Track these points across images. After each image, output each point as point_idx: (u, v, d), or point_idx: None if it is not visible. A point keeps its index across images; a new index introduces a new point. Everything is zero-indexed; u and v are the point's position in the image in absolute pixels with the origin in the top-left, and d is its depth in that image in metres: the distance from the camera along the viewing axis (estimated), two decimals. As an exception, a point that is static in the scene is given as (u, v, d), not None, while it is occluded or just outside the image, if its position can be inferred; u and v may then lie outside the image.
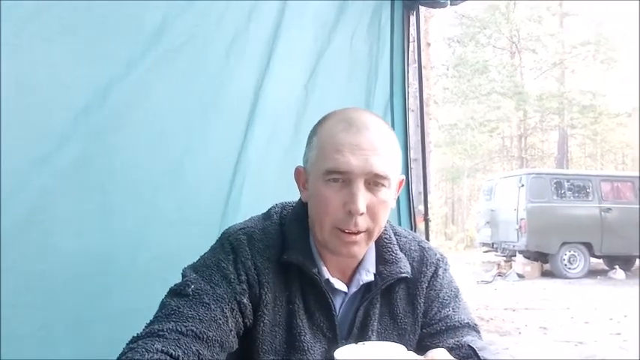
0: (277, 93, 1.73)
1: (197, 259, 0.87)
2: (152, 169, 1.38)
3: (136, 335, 0.75)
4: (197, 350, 0.73)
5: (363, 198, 0.79)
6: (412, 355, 0.71)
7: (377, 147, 0.80)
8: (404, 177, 0.91)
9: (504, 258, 9.63)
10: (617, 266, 8.74)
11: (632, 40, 18.06)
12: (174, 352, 0.70)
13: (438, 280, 0.93)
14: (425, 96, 2.69)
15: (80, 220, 1.21)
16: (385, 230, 0.91)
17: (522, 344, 4.52)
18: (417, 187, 2.70)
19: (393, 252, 0.91)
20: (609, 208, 8.80)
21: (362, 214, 0.79)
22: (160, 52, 1.36)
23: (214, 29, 1.53)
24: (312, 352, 0.85)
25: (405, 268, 0.90)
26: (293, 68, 1.82)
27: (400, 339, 0.89)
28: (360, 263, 0.89)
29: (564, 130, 19.22)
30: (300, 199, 0.92)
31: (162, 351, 0.70)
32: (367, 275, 0.89)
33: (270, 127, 1.71)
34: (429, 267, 0.93)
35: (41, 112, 1.15)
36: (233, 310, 0.80)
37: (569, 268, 8.66)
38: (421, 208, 2.98)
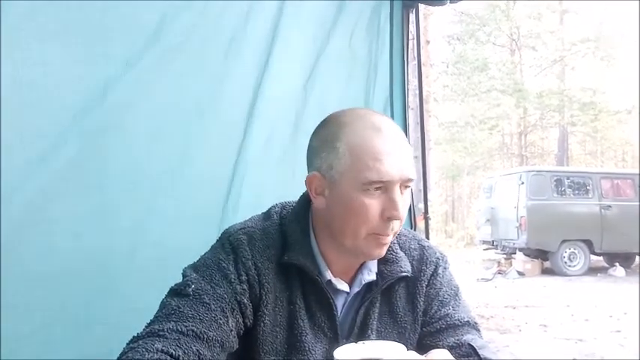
0: (276, 92, 1.72)
1: (197, 258, 0.87)
2: (151, 168, 1.38)
3: (136, 335, 0.75)
4: (197, 350, 0.73)
5: (402, 203, 0.80)
6: (412, 354, 0.71)
7: (405, 151, 0.81)
8: None
9: (504, 256, 9.63)
10: (617, 264, 8.74)
11: (632, 37, 18.05)
12: (174, 352, 0.70)
13: (438, 278, 0.93)
14: (424, 93, 2.69)
15: (79, 220, 1.21)
16: None
17: (522, 342, 4.52)
18: (417, 185, 2.70)
19: (393, 251, 0.91)
20: (609, 206, 8.81)
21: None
22: (158, 51, 1.36)
23: (213, 29, 1.52)
24: (313, 352, 0.85)
25: (406, 267, 0.90)
26: (292, 68, 1.81)
27: (400, 337, 0.89)
28: (363, 263, 0.89)
29: (564, 127, 19.20)
30: (300, 199, 0.92)
31: (162, 351, 0.70)
32: (369, 275, 0.89)
33: (269, 127, 1.71)
34: (428, 266, 0.93)
35: (39, 112, 1.15)
36: (233, 310, 0.80)
37: (570, 266, 8.66)
38: (421, 206, 2.98)
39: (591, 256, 8.86)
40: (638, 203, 8.70)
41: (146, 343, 0.71)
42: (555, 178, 8.98)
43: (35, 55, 1.13)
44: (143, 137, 1.36)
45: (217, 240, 0.89)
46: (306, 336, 0.85)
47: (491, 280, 8.48)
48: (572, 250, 8.71)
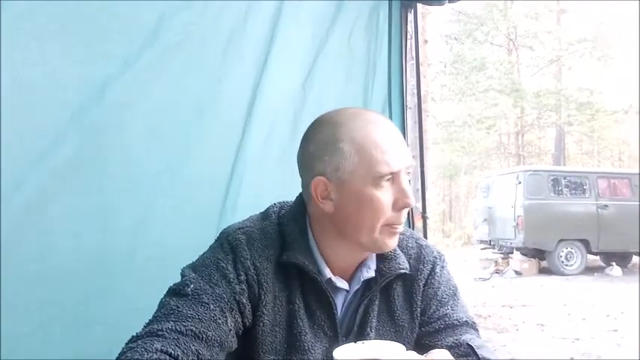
0: (275, 91, 1.72)
1: (195, 258, 0.87)
2: (149, 168, 1.38)
3: (135, 335, 0.75)
4: (196, 350, 0.73)
5: (410, 190, 0.83)
6: (412, 354, 0.71)
7: (402, 139, 0.85)
8: None
9: (502, 255, 9.66)
10: (613, 263, 8.78)
11: (629, 37, 18.10)
12: (173, 352, 0.70)
13: (436, 277, 0.94)
14: (422, 93, 2.69)
15: (77, 220, 1.21)
16: None
17: (520, 341, 4.54)
18: (414, 185, 2.71)
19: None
20: (606, 205, 8.84)
21: None
22: (156, 50, 1.36)
23: (211, 27, 1.52)
24: (312, 351, 0.86)
25: (404, 264, 0.91)
26: (291, 67, 1.81)
27: (397, 336, 0.90)
28: (362, 260, 0.90)
29: (561, 127, 19.25)
30: (296, 200, 0.92)
31: (161, 350, 0.70)
32: (368, 272, 0.89)
33: (267, 126, 1.71)
34: (426, 265, 0.94)
35: (37, 111, 1.14)
36: (232, 309, 0.80)
37: (566, 265, 8.69)
38: (419, 205, 2.98)
39: (588, 255, 8.90)
40: (634, 203, 8.73)
41: (145, 343, 0.71)
42: (552, 177, 9.01)
43: (34, 54, 1.13)
44: (142, 136, 1.35)
45: (216, 240, 0.89)
46: (305, 335, 0.85)
47: (488, 279, 8.50)
48: (569, 249, 8.74)
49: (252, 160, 1.64)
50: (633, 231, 8.35)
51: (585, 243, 8.73)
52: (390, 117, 2.30)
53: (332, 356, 0.72)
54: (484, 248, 10.49)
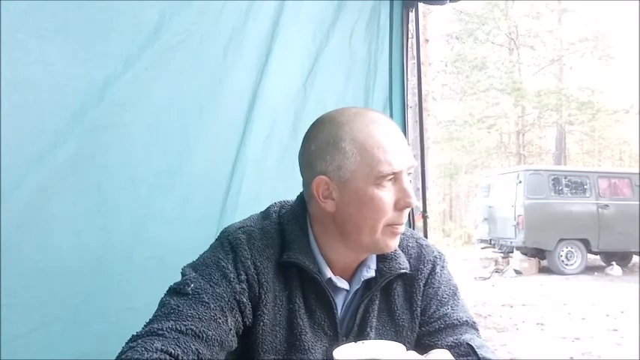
0: (275, 91, 1.72)
1: (196, 257, 0.87)
2: (149, 167, 1.38)
3: (135, 334, 0.75)
4: (196, 349, 0.73)
5: (412, 190, 0.83)
6: (412, 354, 0.71)
7: (403, 138, 0.85)
8: None
9: (502, 254, 9.65)
10: (614, 262, 8.78)
11: (630, 36, 18.07)
12: (173, 351, 0.71)
13: (436, 277, 0.94)
14: (423, 92, 2.69)
15: (77, 219, 1.21)
16: None
17: (520, 340, 4.54)
18: (414, 184, 2.70)
19: None
20: (606, 205, 8.83)
21: None
22: (157, 50, 1.35)
23: (212, 27, 1.52)
24: (313, 351, 0.86)
25: (404, 264, 0.91)
26: (291, 66, 1.81)
27: (397, 335, 0.90)
28: (363, 260, 0.90)
29: (562, 126, 19.24)
30: (297, 199, 0.92)
31: (161, 350, 0.70)
32: (368, 272, 0.89)
33: (268, 126, 1.71)
34: (426, 264, 0.94)
35: (37, 111, 1.14)
36: (232, 309, 0.80)
37: (567, 265, 8.69)
38: (419, 204, 2.98)
39: (588, 255, 8.89)
40: (634, 202, 8.73)
41: (145, 342, 0.71)
42: (553, 177, 9.00)
43: (34, 53, 1.13)
44: (142, 136, 1.35)
45: (216, 239, 0.89)
46: (305, 335, 0.85)
47: (488, 278, 8.50)
48: (569, 248, 8.74)
49: (253, 159, 1.64)
50: (633, 231, 8.34)
51: (585, 242, 8.73)
52: (391, 116, 2.30)
53: (332, 356, 0.72)
54: (484, 247, 10.49)
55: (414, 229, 2.37)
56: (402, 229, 0.86)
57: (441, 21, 18.06)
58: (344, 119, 0.83)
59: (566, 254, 8.73)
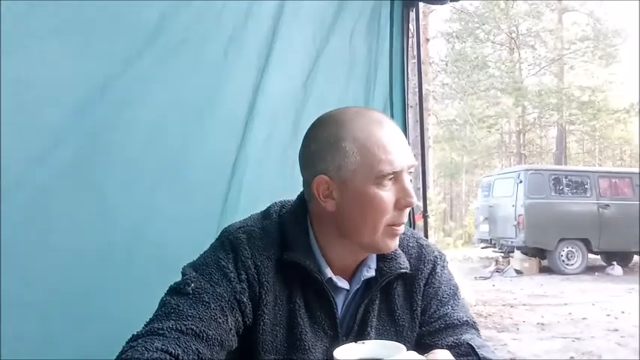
0: (276, 91, 1.72)
1: (196, 257, 0.87)
2: (150, 167, 1.38)
3: (135, 334, 0.75)
4: (197, 349, 0.73)
5: (412, 189, 0.83)
6: (413, 354, 0.71)
7: (404, 138, 0.85)
8: None
9: (502, 254, 9.65)
10: (614, 262, 8.77)
11: (631, 36, 18.06)
12: (173, 351, 0.71)
13: (436, 277, 0.94)
14: (424, 92, 2.69)
15: (78, 219, 1.21)
16: None
17: (520, 340, 4.54)
18: (415, 184, 2.70)
19: None
20: (607, 205, 8.82)
21: None
22: (157, 50, 1.35)
23: (212, 27, 1.52)
24: (313, 350, 0.86)
25: (404, 263, 0.91)
26: (292, 66, 1.81)
27: (398, 336, 0.90)
28: (362, 260, 0.90)
29: (563, 126, 19.25)
30: (297, 199, 0.92)
31: (161, 350, 0.70)
32: (369, 271, 0.89)
33: (268, 126, 1.71)
34: (426, 264, 0.94)
35: (38, 110, 1.14)
36: (233, 308, 0.80)
37: (567, 264, 8.68)
38: (420, 204, 2.98)
39: (589, 254, 8.89)
40: (635, 202, 8.72)
41: (146, 342, 0.71)
42: (553, 176, 8.99)
43: (34, 53, 1.13)
44: (142, 135, 1.35)
45: (217, 239, 0.89)
46: (306, 334, 0.85)
47: (489, 278, 8.50)
48: (569, 248, 8.73)
49: (253, 159, 1.64)
50: (634, 230, 8.33)
51: (586, 242, 8.72)
52: (392, 116, 2.31)
53: (332, 356, 0.72)
54: (485, 247, 10.49)
55: (414, 228, 2.37)
56: (401, 229, 0.86)
57: (442, 20, 18.08)
58: (344, 118, 0.83)
59: (567, 254, 8.73)
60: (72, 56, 1.19)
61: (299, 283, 0.87)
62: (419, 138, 2.69)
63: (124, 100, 1.29)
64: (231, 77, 1.58)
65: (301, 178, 0.90)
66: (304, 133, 0.88)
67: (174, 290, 0.81)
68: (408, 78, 2.41)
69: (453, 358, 0.73)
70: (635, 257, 9.43)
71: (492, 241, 9.81)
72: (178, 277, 0.83)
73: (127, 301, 1.22)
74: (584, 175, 9.18)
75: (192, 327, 0.74)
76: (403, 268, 0.90)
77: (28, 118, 1.12)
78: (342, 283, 0.88)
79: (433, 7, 8.47)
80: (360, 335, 0.87)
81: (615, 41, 18.68)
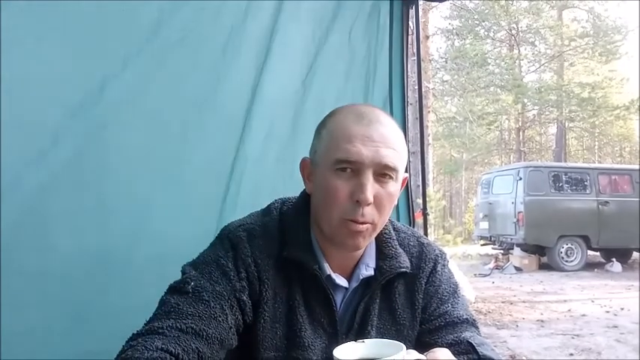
0: (275, 89, 1.72)
1: (196, 255, 0.87)
2: (149, 166, 1.38)
3: (135, 332, 0.75)
4: (197, 348, 0.73)
5: (371, 188, 0.80)
6: (413, 353, 0.71)
7: (387, 139, 0.81)
8: (407, 175, 0.91)
9: (502, 251, 9.66)
10: (614, 259, 8.79)
11: (630, 33, 18.03)
12: (173, 350, 0.71)
13: (437, 275, 0.94)
14: (423, 89, 2.69)
15: (77, 218, 1.21)
16: (385, 225, 0.91)
17: (520, 337, 4.54)
18: (415, 181, 2.70)
19: (392, 247, 0.91)
20: (607, 201, 8.83)
21: (370, 204, 0.80)
22: (155, 48, 1.35)
23: (211, 25, 1.52)
24: (312, 347, 0.86)
25: (405, 262, 0.91)
26: (290, 64, 1.81)
27: (399, 334, 0.90)
28: (360, 258, 0.90)
29: (562, 123, 19.24)
30: (301, 194, 0.92)
31: (161, 349, 0.70)
32: (367, 270, 0.89)
33: (267, 124, 1.71)
34: (427, 263, 0.94)
35: (37, 110, 1.14)
36: (233, 307, 0.80)
37: (567, 261, 8.70)
38: (419, 201, 2.98)
39: (588, 251, 8.89)
40: (635, 199, 8.73)
41: (145, 341, 0.71)
42: (553, 173, 8.99)
43: (33, 52, 1.13)
44: (141, 134, 1.35)
45: (216, 237, 0.89)
46: (305, 332, 0.85)
47: (488, 275, 8.51)
48: (569, 245, 8.74)
49: (252, 157, 1.64)
50: (634, 227, 8.35)
51: (586, 239, 8.73)
52: (391, 113, 2.30)
53: (332, 355, 0.72)
54: (484, 244, 10.50)
55: (413, 226, 2.37)
56: (361, 228, 0.81)
57: (441, 18, 18.05)
58: (337, 111, 0.86)
59: (567, 251, 8.73)
60: (70, 55, 1.19)
61: (298, 280, 0.87)
62: (418, 135, 2.69)
63: (122, 99, 1.29)
64: (230, 76, 1.58)
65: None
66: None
67: (174, 289, 0.81)
68: (407, 75, 2.40)
69: (452, 356, 0.73)
70: (635, 254, 9.44)
71: (492, 238, 9.82)
72: (178, 276, 0.83)
73: (127, 299, 1.22)
74: (584, 172, 9.18)
75: (192, 326, 0.75)
76: (403, 268, 0.90)
77: (26, 118, 1.12)
78: (341, 281, 0.88)
79: (433, 4, 8.45)
80: (361, 334, 0.87)
81: (615, 38, 18.66)
